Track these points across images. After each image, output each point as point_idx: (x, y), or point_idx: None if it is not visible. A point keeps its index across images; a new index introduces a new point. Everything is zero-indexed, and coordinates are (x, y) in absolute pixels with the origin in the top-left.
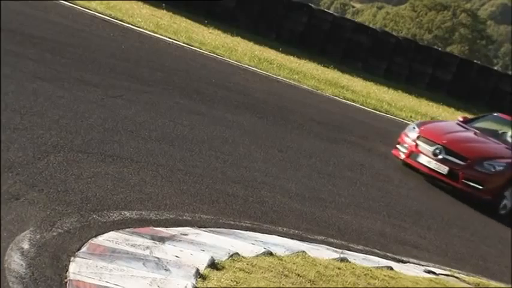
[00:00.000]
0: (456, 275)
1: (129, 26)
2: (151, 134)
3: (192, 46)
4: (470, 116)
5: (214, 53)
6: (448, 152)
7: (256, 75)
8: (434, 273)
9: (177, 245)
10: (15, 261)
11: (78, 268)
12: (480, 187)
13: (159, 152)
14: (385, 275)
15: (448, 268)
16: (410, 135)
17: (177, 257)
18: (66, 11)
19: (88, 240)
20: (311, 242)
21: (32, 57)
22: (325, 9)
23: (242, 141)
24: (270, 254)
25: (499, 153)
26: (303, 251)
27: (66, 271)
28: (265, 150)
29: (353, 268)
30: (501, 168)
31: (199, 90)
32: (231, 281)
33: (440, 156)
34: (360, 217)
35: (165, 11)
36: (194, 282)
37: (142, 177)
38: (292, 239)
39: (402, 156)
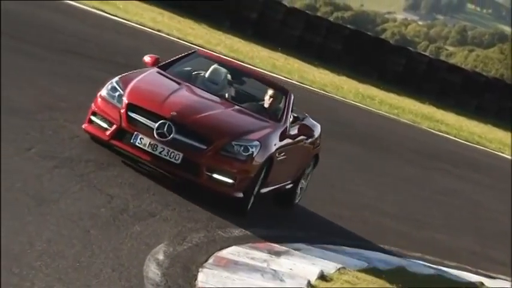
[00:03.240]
0: None
1: (249, 66)
2: None
3: (303, 84)
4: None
5: (323, 90)
6: (181, 129)
7: (360, 110)
8: None
9: (290, 258)
10: (152, 271)
11: (205, 278)
12: (231, 181)
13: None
14: None
15: None
16: (114, 101)
17: (290, 269)
18: None
19: (214, 253)
20: (409, 258)
21: None
22: (422, 52)
23: (347, 168)
24: (373, 268)
25: (243, 124)
26: (402, 266)
27: (195, 280)
28: (367, 177)
29: (447, 282)
30: (254, 150)
31: None
32: None
33: (169, 138)
34: (452, 236)
35: (280, 54)
36: None
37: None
38: (392, 255)
39: (104, 134)
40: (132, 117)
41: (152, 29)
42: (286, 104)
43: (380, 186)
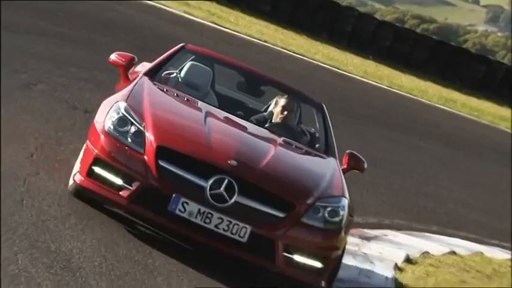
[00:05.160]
0: None
1: (344, 72)
2: None
3: (392, 88)
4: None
5: (410, 94)
6: (245, 188)
7: (443, 112)
8: None
9: (379, 243)
10: None
11: None
12: (320, 265)
13: (366, 171)
14: None
15: None
16: (128, 140)
17: (379, 253)
18: (297, 61)
19: None
20: (487, 245)
21: None
22: (500, 60)
23: (431, 164)
24: (454, 253)
25: (316, 171)
26: (481, 252)
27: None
28: (450, 172)
29: None
30: (343, 212)
31: (397, 123)
32: (423, 273)
33: (231, 202)
34: None
35: (371, 61)
36: (393, 274)
37: (352, 190)
38: (471, 242)
39: (118, 195)
40: (165, 168)
41: (259, 40)
42: (327, 124)
43: (462, 181)
